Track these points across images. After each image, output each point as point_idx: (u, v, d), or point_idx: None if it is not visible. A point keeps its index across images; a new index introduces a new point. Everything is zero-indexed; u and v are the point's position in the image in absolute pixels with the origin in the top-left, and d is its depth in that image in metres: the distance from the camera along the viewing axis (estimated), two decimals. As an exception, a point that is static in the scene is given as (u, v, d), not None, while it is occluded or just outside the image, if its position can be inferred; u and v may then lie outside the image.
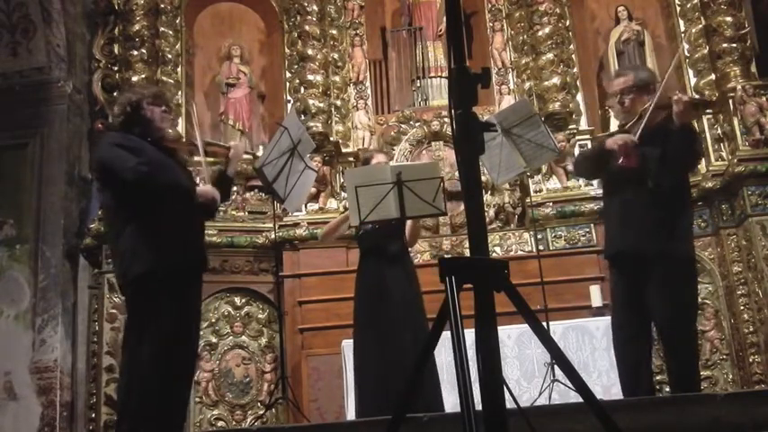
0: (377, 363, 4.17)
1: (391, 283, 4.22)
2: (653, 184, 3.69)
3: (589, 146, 6.70)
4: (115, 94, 7.02)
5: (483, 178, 4.13)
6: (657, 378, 5.95)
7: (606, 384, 5.32)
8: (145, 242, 3.48)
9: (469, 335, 1.60)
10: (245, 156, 6.93)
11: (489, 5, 7.76)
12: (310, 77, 7.18)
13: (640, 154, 3.73)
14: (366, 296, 4.35)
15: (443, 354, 4.99)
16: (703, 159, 6.63)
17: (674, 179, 3.75)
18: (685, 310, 3.74)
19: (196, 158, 4.09)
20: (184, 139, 4.27)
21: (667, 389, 5.66)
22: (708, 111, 6.42)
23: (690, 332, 3.76)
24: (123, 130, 3.71)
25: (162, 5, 7.19)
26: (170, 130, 4.00)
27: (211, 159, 4.22)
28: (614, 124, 6.71)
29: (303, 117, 6.85)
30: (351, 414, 5.42)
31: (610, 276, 4.01)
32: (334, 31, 7.57)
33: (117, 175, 3.50)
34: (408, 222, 4.39)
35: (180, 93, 7.03)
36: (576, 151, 6.84)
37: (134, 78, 6.85)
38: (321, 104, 7.13)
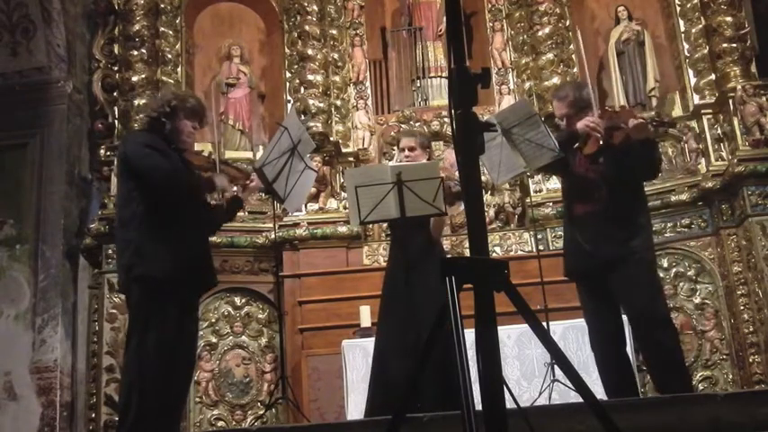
0: (394, 356, 4.08)
1: (419, 273, 4.11)
2: (608, 201, 3.80)
3: None
4: (115, 93, 7.04)
5: (483, 178, 4.13)
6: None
7: (606, 384, 5.31)
8: (162, 245, 3.50)
9: (469, 335, 1.60)
10: (246, 156, 6.99)
11: (489, 5, 7.76)
12: (310, 77, 7.18)
13: (600, 170, 3.81)
14: (390, 286, 4.29)
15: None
16: (703, 159, 6.65)
17: (633, 189, 3.88)
18: (655, 300, 3.84)
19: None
20: (204, 153, 4.28)
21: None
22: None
23: (665, 318, 3.83)
24: (150, 130, 3.75)
25: (162, 5, 7.19)
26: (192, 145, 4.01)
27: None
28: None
29: (303, 117, 6.85)
30: (351, 414, 5.42)
31: (576, 287, 4.07)
32: (334, 31, 7.57)
33: (145, 174, 3.53)
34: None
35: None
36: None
37: (134, 78, 6.86)
38: (321, 104, 7.13)
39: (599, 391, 5.11)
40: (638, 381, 4.33)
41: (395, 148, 7.29)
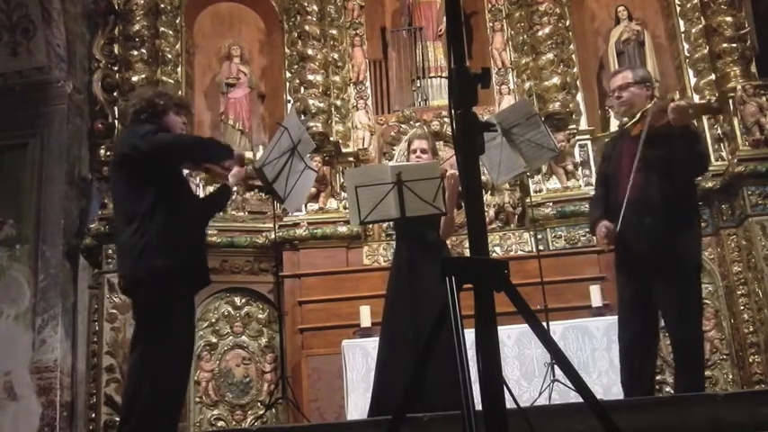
0: (397, 356, 4.05)
1: (424, 273, 4.09)
2: (650, 189, 3.74)
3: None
4: (115, 93, 7.03)
5: (483, 178, 4.13)
6: (657, 378, 5.97)
7: (606, 384, 5.32)
8: (165, 240, 3.48)
9: (469, 335, 1.60)
10: (246, 156, 6.98)
11: (489, 5, 7.76)
12: (310, 77, 7.18)
13: (644, 158, 3.77)
14: (394, 286, 4.27)
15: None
16: (703, 159, 6.65)
17: (680, 183, 3.79)
18: (692, 313, 3.79)
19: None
20: None
21: (667, 389, 5.69)
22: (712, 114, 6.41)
23: (697, 333, 3.81)
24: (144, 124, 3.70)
25: (162, 5, 7.19)
26: None
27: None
28: (614, 124, 6.74)
29: (303, 117, 6.85)
30: (351, 414, 5.43)
31: (616, 274, 4.04)
32: (334, 31, 7.56)
33: (166, 146, 3.53)
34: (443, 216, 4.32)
35: (180, 93, 7.03)
36: (577, 151, 6.88)
37: (134, 78, 6.86)
38: (321, 104, 7.13)
39: (599, 392, 5.13)
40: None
41: (395, 147, 7.32)
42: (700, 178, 6.43)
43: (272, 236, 6.54)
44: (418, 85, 7.71)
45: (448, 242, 6.78)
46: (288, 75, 7.40)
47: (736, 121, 6.42)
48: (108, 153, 6.72)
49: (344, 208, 6.64)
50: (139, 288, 3.55)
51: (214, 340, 6.58)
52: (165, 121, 3.72)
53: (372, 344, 5.41)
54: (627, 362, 3.87)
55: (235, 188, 4.12)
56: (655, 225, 3.75)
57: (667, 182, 3.78)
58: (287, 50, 7.47)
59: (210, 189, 6.54)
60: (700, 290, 3.98)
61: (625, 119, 4.09)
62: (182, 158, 3.66)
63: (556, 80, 7.03)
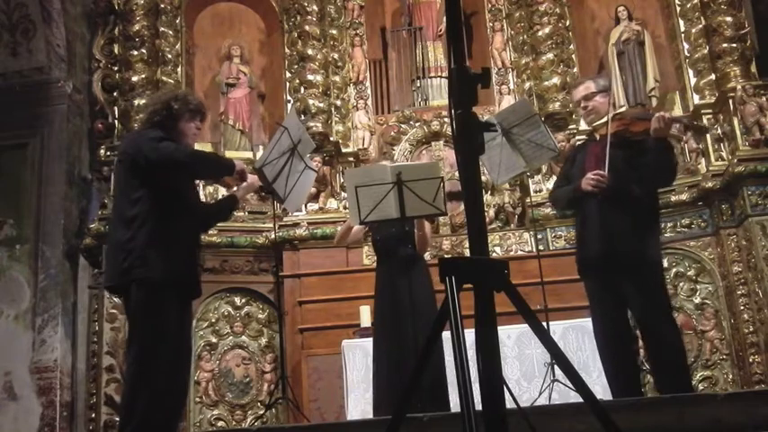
0: (390, 364, 4.24)
1: (403, 288, 4.23)
2: (624, 188, 3.76)
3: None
4: (115, 93, 7.03)
5: (483, 178, 4.15)
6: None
7: (606, 384, 5.30)
8: (162, 248, 3.47)
9: (469, 335, 1.60)
10: (246, 156, 7.00)
11: (489, 5, 7.76)
12: (310, 77, 7.18)
13: (611, 160, 3.81)
14: (380, 300, 4.47)
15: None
16: (703, 159, 6.66)
17: (646, 188, 3.85)
18: (662, 307, 3.80)
19: None
20: None
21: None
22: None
23: (673, 328, 3.82)
24: (154, 127, 3.68)
25: (162, 5, 7.19)
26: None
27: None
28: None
29: (303, 117, 6.85)
30: (351, 414, 5.43)
31: (585, 281, 4.03)
32: (334, 31, 7.57)
33: (166, 159, 3.49)
34: (416, 231, 4.44)
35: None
36: (577, 151, 6.87)
37: (134, 78, 6.87)
38: (321, 104, 7.14)
39: (599, 392, 5.12)
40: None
41: (395, 147, 7.33)
42: (699, 178, 6.47)
43: (272, 236, 6.54)
44: (418, 85, 7.72)
45: (447, 242, 6.88)
46: (288, 75, 7.41)
47: (736, 121, 6.42)
48: (108, 153, 6.73)
49: (344, 208, 6.64)
50: (122, 292, 3.58)
51: (214, 340, 6.58)
52: (178, 126, 3.68)
53: (372, 344, 5.42)
54: (613, 368, 3.88)
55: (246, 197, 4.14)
56: (619, 225, 3.77)
57: (632, 184, 3.81)
58: (287, 50, 7.47)
59: (211, 188, 6.57)
60: (665, 285, 4.02)
61: (592, 121, 4.13)
62: (179, 173, 3.60)
63: (556, 80, 7.03)
